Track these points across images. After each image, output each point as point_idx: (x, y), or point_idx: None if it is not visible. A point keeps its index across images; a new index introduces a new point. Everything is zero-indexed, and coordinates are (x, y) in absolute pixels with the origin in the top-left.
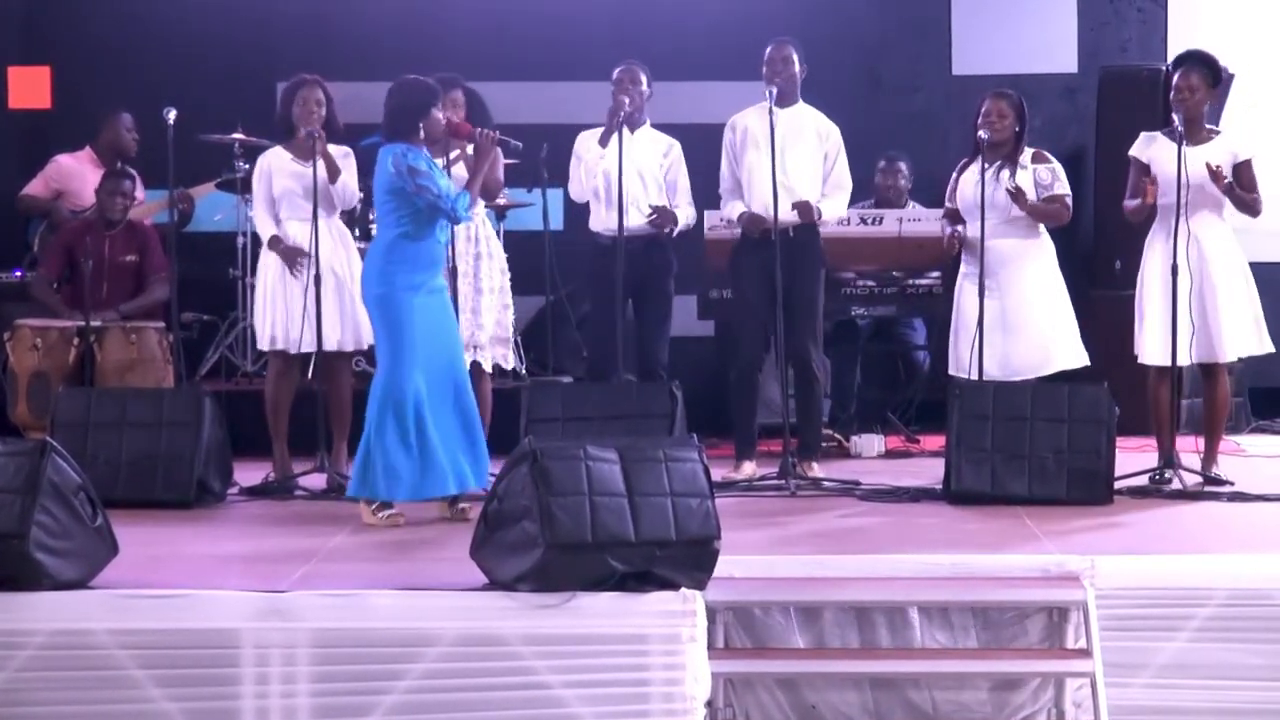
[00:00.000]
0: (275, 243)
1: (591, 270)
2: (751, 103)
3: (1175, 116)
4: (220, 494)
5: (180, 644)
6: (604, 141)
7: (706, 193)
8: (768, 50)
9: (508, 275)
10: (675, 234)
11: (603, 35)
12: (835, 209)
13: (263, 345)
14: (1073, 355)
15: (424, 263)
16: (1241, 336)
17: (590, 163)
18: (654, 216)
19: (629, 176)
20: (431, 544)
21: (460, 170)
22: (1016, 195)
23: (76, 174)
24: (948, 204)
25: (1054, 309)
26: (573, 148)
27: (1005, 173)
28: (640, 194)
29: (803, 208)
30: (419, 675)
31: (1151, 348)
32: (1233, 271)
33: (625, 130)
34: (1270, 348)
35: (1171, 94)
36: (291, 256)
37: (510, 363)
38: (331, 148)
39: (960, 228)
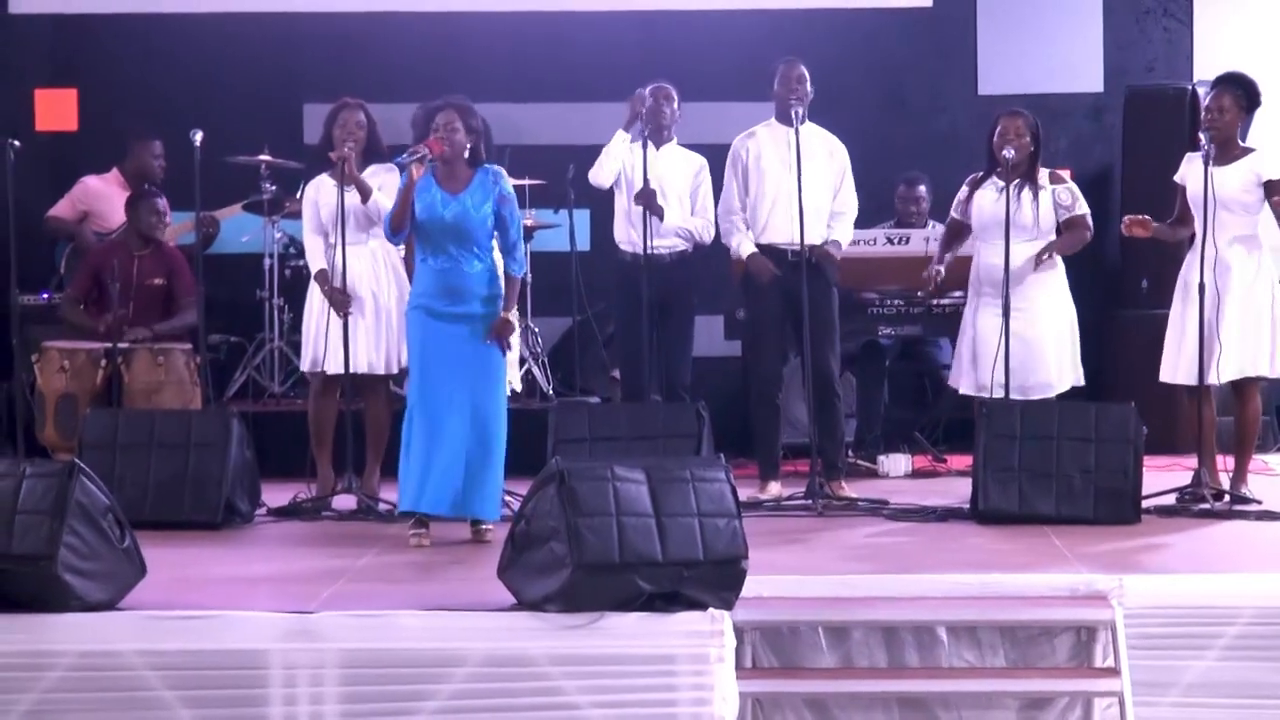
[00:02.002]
0: (323, 279)
1: (615, 287)
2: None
3: (1202, 136)
4: (248, 515)
5: (208, 665)
6: (627, 128)
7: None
8: (780, 69)
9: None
10: (691, 248)
11: (627, 56)
12: (845, 232)
13: (304, 366)
14: (1074, 375)
15: (425, 284)
16: (1268, 355)
17: (616, 152)
18: (648, 195)
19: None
20: (459, 564)
21: None
22: (1044, 253)
23: (103, 196)
24: (954, 215)
25: (1065, 329)
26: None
27: (1044, 254)
28: (665, 209)
29: (823, 255)
30: (447, 696)
31: (1170, 366)
32: (1259, 291)
33: (651, 146)
34: None
35: (1203, 114)
36: (339, 303)
37: (518, 383)
38: (374, 168)
39: (941, 266)
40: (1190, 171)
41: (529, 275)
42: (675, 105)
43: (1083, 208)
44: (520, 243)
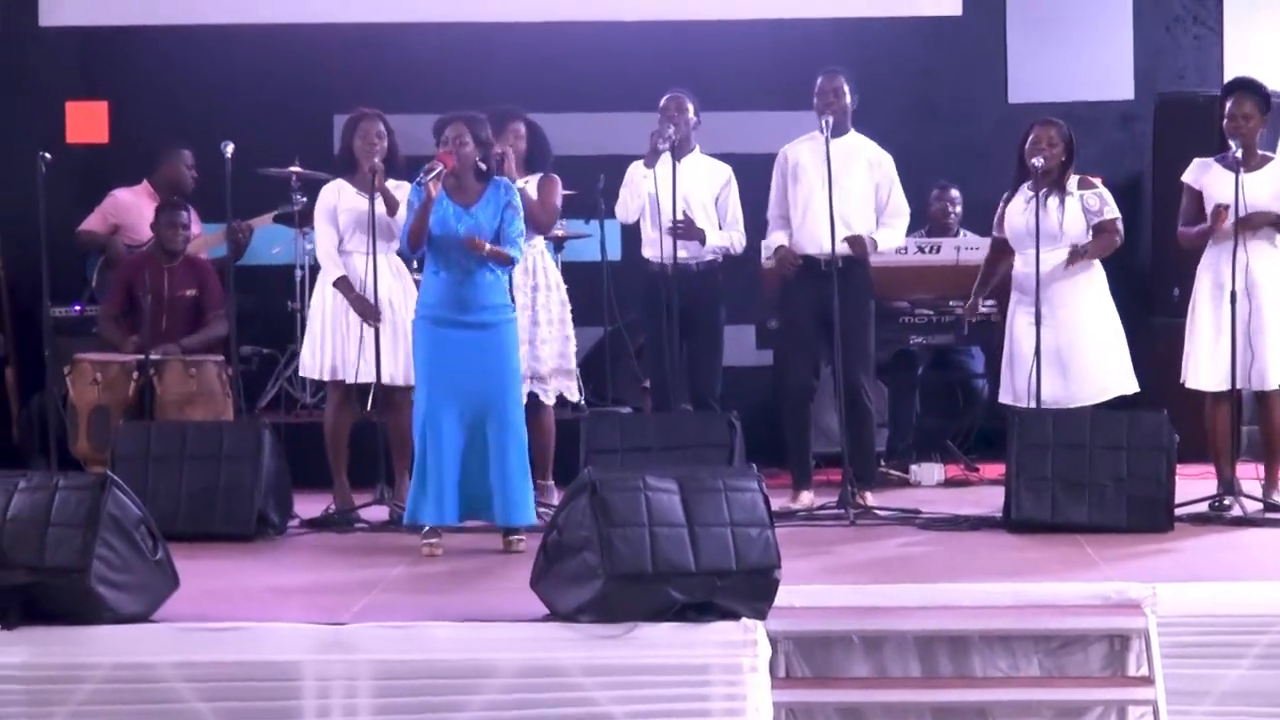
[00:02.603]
0: (345, 287)
1: (642, 297)
2: (803, 131)
3: (1232, 143)
4: (280, 526)
5: (242, 677)
6: (649, 163)
7: (758, 221)
8: (819, 81)
9: (568, 306)
10: (720, 258)
11: (657, 65)
12: (894, 237)
13: (314, 374)
14: (1124, 382)
15: (433, 294)
16: None
17: (636, 183)
18: (680, 226)
19: (676, 204)
20: (492, 575)
21: (530, 190)
22: (1074, 258)
23: (134, 208)
24: (995, 234)
25: (1107, 336)
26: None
27: (1073, 259)
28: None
29: (855, 242)
30: (480, 707)
31: (1198, 372)
32: None
33: (672, 158)
34: None
35: (1225, 121)
36: (367, 313)
37: (574, 394)
38: (390, 182)
39: (978, 300)
40: (1211, 178)
41: (561, 285)
42: (691, 114)
43: (1112, 212)
44: (519, 239)
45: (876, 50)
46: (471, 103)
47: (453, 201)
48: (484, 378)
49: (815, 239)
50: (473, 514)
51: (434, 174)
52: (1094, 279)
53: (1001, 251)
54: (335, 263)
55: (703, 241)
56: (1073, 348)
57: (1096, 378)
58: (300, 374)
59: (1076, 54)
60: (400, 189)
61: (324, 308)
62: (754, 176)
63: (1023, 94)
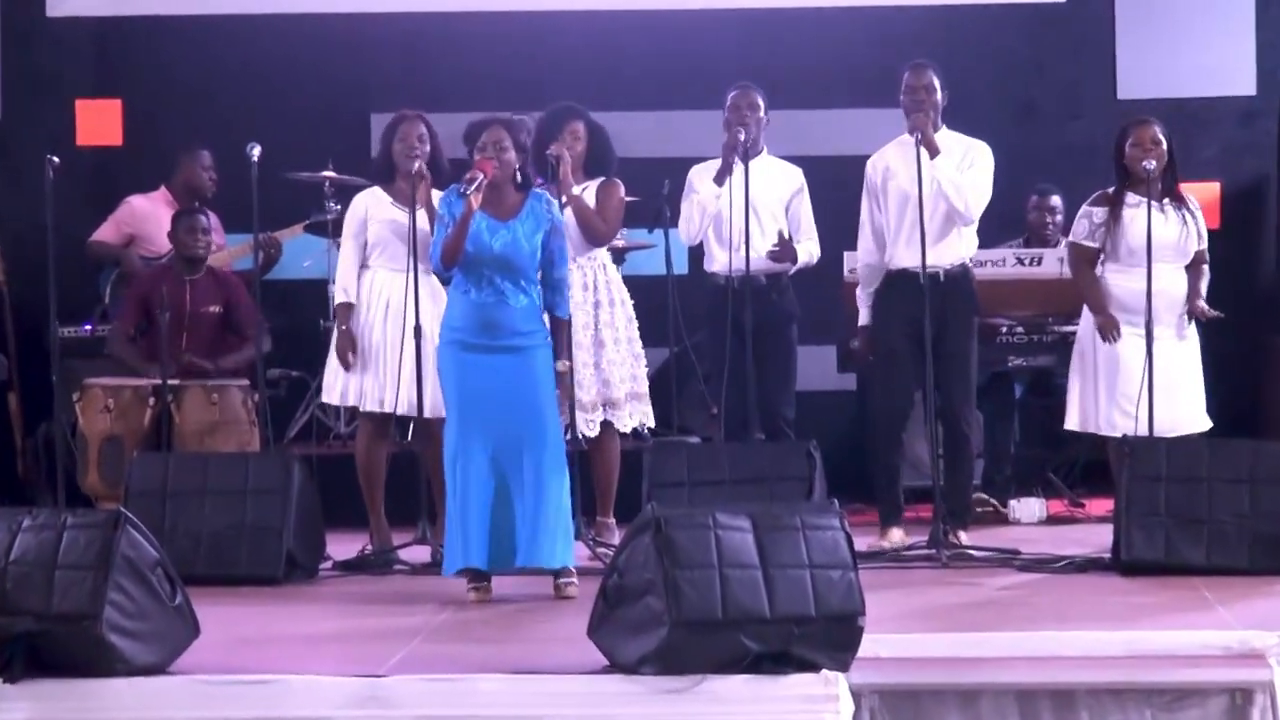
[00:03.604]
0: (343, 315)
1: (707, 315)
2: (889, 133)
3: None
4: (311, 569)
5: None
6: (720, 180)
7: (837, 230)
8: (905, 76)
9: (635, 323)
10: (793, 272)
11: (726, 59)
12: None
13: (337, 399)
14: (1204, 417)
15: (460, 317)
16: None
17: (705, 200)
18: (776, 250)
19: (743, 212)
20: (545, 623)
21: (589, 197)
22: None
23: (150, 217)
24: (1087, 242)
25: (1197, 366)
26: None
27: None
28: (755, 231)
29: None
30: None
31: None
32: None
33: (742, 161)
34: None
35: None
36: (344, 350)
37: (651, 420)
38: (436, 193)
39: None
40: None
41: (628, 301)
42: (762, 112)
43: (1206, 239)
44: (567, 279)
45: (970, 41)
46: (524, 101)
47: (486, 214)
48: (517, 408)
49: (912, 253)
50: (501, 563)
51: (475, 185)
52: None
53: (1094, 263)
54: (348, 284)
55: (794, 261)
56: (1175, 372)
57: (1190, 406)
58: (325, 400)
59: (1193, 45)
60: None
61: (358, 331)
62: (833, 182)
63: (1133, 89)
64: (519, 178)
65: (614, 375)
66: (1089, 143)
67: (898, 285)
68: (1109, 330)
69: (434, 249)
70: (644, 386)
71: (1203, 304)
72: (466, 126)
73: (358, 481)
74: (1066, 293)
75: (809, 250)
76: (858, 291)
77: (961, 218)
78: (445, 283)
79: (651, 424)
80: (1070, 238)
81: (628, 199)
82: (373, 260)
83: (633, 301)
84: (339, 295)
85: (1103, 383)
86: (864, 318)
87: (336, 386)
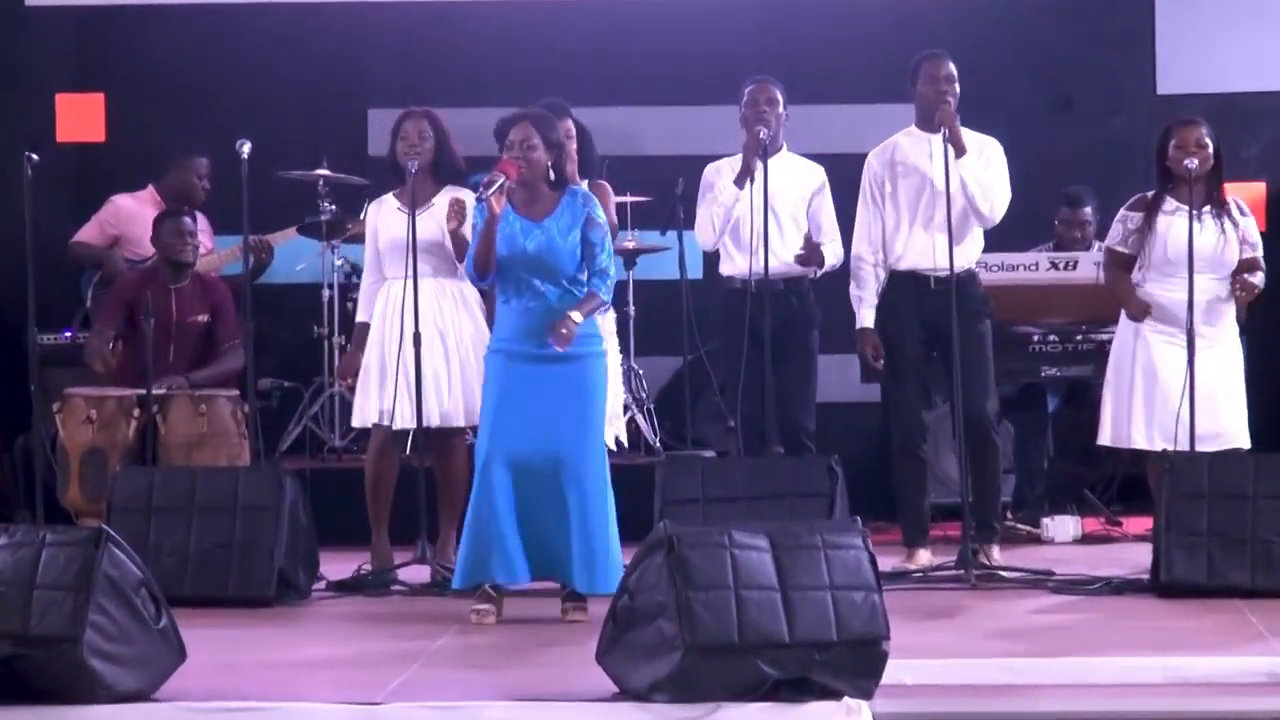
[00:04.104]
0: (357, 335)
1: (723, 322)
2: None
3: None
4: (304, 590)
5: None
6: (740, 183)
7: None
8: (922, 66)
9: (615, 338)
10: (818, 275)
11: (742, 51)
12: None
13: (361, 421)
14: (1243, 433)
15: (507, 327)
16: None
17: (725, 203)
18: (803, 254)
19: (762, 213)
20: (551, 647)
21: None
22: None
23: (137, 217)
24: (1120, 248)
25: (1240, 379)
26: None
27: (1247, 278)
28: (774, 232)
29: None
30: None
31: None
32: None
33: (761, 159)
34: None
35: None
36: (342, 371)
37: (624, 434)
38: (448, 189)
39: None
40: None
41: (631, 309)
42: (781, 107)
43: (1261, 247)
44: (610, 269)
45: (1003, 35)
46: (530, 96)
47: (520, 215)
48: (559, 420)
49: (924, 253)
50: (548, 572)
51: (495, 188)
52: (1231, 316)
53: (1128, 269)
54: (364, 302)
55: (821, 264)
56: (1216, 385)
57: (1232, 421)
58: (354, 424)
59: (1236, 37)
60: (446, 199)
61: (370, 348)
62: (852, 180)
63: (1174, 84)
64: (552, 175)
65: None
66: (1126, 140)
67: (906, 288)
68: (1141, 313)
69: (468, 259)
70: (618, 403)
71: (1246, 276)
72: (497, 123)
73: (353, 497)
74: (1102, 299)
75: (834, 252)
76: (851, 291)
77: (985, 220)
78: (484, 293)
79: (624, 440)
80: (1105, 242)
81: (640, 199)
82: (387, 270)
83: (638, 307)
84: (363, 312)
85: (1139, 395)
86: (862, 320)
87: (370, 405)
